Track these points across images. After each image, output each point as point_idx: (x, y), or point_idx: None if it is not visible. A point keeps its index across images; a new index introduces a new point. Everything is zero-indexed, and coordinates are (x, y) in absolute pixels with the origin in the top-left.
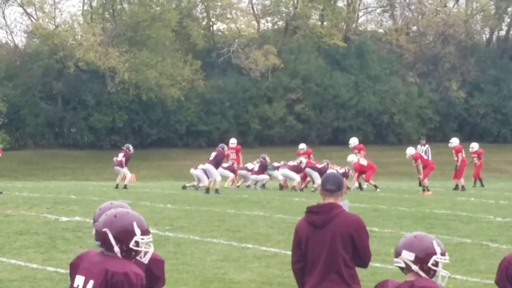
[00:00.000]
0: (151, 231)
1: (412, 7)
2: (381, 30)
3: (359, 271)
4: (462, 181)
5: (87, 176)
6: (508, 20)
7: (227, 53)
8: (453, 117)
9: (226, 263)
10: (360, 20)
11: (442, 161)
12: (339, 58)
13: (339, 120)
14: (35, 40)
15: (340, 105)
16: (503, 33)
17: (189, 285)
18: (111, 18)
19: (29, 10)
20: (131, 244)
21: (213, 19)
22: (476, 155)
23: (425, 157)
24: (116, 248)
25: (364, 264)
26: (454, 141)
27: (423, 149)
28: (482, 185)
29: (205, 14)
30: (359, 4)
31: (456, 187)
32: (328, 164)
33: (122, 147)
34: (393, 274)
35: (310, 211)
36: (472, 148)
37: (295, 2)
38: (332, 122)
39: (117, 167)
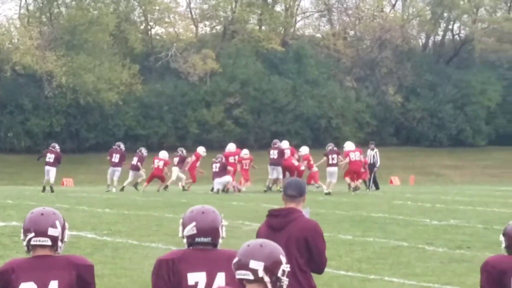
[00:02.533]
0: (89, 235)
1: (349, 12)
2: (318, 35)
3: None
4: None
5: (24, 180)
6: (444, 25)
7: (165, 57)
8: (390, 121)
9: None
10: (298, 25)
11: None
12: (277, 63)
13: (277, 125)
14: None
15: (278, 109)
16: (439, 38)
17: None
18: (48, 22)
19: None
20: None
21: (151, 23)
22: (305, 161)
23: (373, 161)
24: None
25: (319, 270)
26: (303, 150)
27: (371, 153)
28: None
29: (143, 18)
30: (297, 9)
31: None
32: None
33: (137, 151)
34: (330, 278)
35: (271, 214)
36: (300, 152)
37: (233, 6)
38: (270, 126)
39: (133, 171)
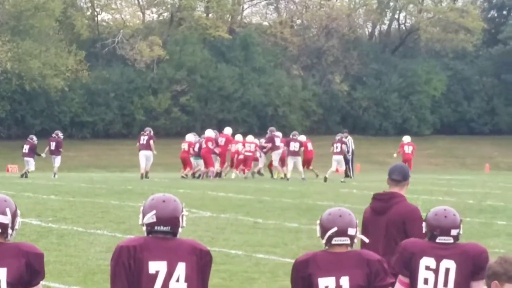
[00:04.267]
0: (34, 222)
1: (297, 0)
2: (265, 23)
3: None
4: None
5: None
6: (390, 14)
7: (112, 43)
8: (336, 110)
9: (110, 255)
10: (245, 13)
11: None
12: (224, 50)
13: (224, 112)
14: None
15: (225, 97)
16: (385, 27)
17: (73, 277)
18: None
19: None
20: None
21: (97, 9)
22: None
23: (345, 149)
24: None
25: None
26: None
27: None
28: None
29: (89, 4)
30: None
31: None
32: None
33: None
34: (275, 265)
35: (374, 198)
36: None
37: None
38: (217, 114)
39: (26, 158)
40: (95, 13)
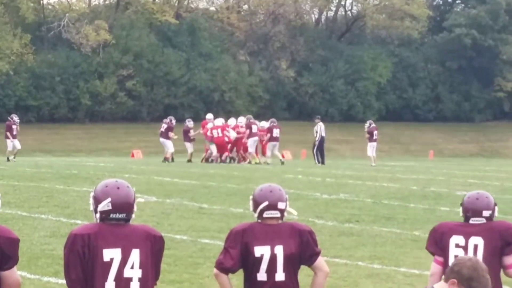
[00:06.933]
0: None
1: None
2: (212, 8)
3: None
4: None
5: None
6: (336, 1)
7: (58, 27)
8: (282, 96)
9: (54, 239)
10: None
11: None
12: (171, 35)
13: (170, 97)
14: None
15: (171, 82)
16: (331, 13)
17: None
18: None
19: None
20: None
21: None
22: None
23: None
24: None
25: None
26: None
27: (316, 127)
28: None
29: None
30: None
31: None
32: None
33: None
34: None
35: None
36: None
37: None
38: (163, 99)
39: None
40: None
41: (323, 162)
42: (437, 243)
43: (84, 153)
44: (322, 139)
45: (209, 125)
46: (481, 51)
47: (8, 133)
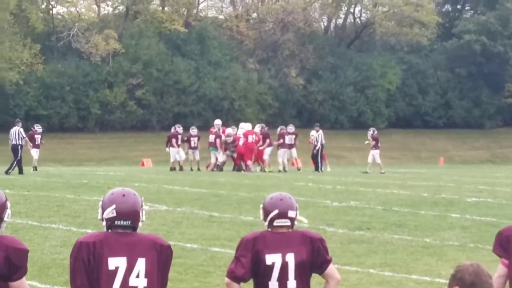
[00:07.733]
0: None
1: None
2: (221, 17)
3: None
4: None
5: None
6: (345, 8)
7: (67, 37)
8: (292, 103)
9: (65, 249)
10: (201, 6)
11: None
12: (180, 44)
13: (180, 106)
14: None
15: (181, 91)
16: (340, 21)
17: (27, 271)
18: None
19: None
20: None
21: (52, 2)
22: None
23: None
24: None
25: None
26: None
27: (315, 135)
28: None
29: None
30: None
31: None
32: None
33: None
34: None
35: None
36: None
37: None
38: (173, 107)
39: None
40: (50, 6)
41: (321, 169)
42: (503, 246)
43: (94, 162)
44: (322, 147)
45: (240, 131)
46: (491, 57)
47: (30, 143)
